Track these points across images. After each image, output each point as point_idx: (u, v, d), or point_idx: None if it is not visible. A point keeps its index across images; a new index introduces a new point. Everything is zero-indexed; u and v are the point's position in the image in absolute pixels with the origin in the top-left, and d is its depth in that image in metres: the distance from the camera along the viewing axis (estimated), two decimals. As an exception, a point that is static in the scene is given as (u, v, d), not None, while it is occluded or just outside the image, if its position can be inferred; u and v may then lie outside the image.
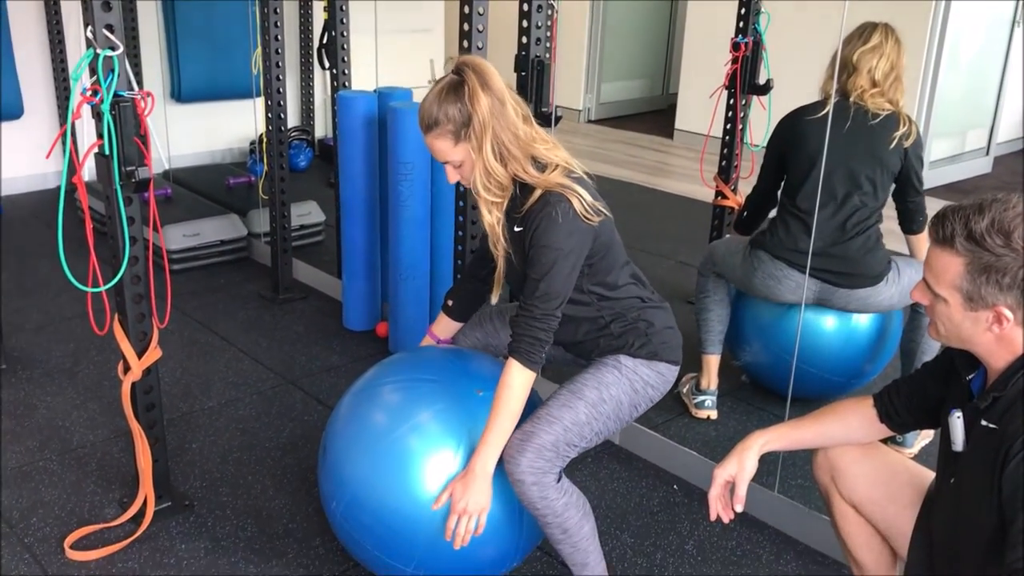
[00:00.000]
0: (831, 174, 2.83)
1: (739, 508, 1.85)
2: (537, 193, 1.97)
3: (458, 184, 2.85)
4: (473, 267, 2.38)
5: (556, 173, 1.98)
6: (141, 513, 2.48)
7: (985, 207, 1.49)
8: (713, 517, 1.87)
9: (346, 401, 2.20)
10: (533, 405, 2.11)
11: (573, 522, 2.03)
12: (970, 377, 1.66)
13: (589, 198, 1.98)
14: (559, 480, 2.02)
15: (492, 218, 2.04)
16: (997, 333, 1.54)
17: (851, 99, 2.87)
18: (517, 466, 1.96)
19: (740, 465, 1.86)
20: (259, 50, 3.84)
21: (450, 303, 2.38)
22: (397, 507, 2.01)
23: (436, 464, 2.00)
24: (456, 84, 1.96)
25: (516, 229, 2.03)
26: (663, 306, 2.21)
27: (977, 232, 1.48)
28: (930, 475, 1.89)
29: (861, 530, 1.92)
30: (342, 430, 2.14)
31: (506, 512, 2.06)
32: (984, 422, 1.58)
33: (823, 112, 2.79)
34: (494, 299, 2.27)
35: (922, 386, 1.82)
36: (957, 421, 1.64)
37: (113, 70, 2.12)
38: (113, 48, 2.12)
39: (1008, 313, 1.50)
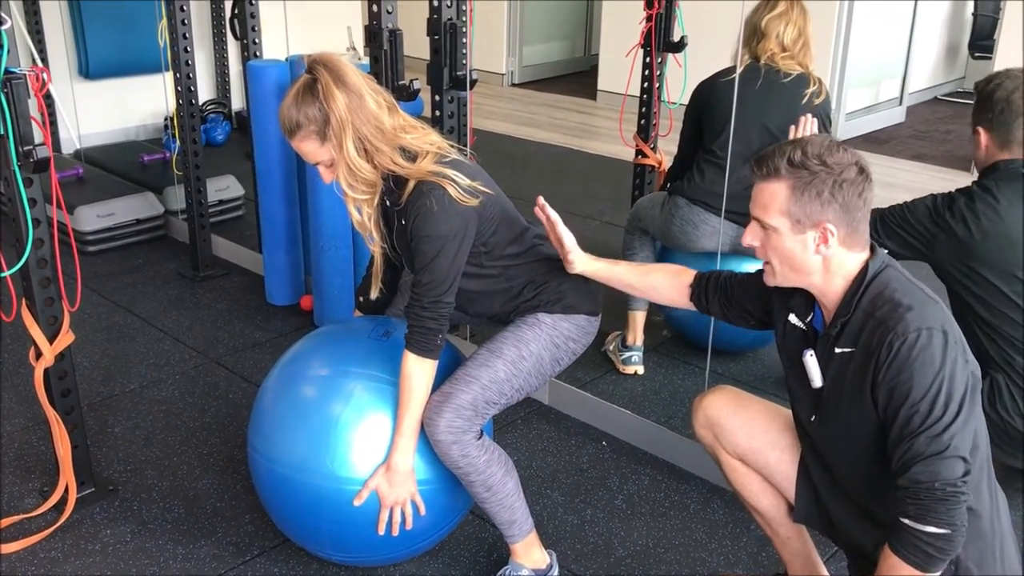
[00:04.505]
0: (747, 128, 2.89)
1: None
2: (411, 184, 1.96)
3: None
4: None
5: (427, 161, 1.96)
6: (63, 501, 2.43)
7: (799, 143, 1.66)
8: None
9: (275, 379, 2.18)
10: (456, 364, 2.12)
11: (496, 479, 2.04)
12: (809, 319, 1.77)
13: (465, 180, 1.96)
14: (479, 437, 2.03)
15: (362, 216, 2.04)
16: (825, 255, 1.66)
17: (761, 62, 2.94)
18: (436, 427, 1.97)
19: (573, 268, 2.07)
20: (164, 22, 3.73)
21: (361, 299, 2.36)
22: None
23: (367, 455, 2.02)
24: (310, 83, 1.92)
25: (402, 223, 2.01)
26: None
27: (796, 158, 1.63)
28: None
29: (752, 480, 1.98)
30: (288, 383, 2.15)
31: (440, 478, 2.08)
32: (839, 349, 1.68)
33: (735, 74, 2.83)
34: (373, 294, 2.27)
35: (739, 298, 1.95)
36: (811, 360, 1.75)
37: (1, 45, 2.03)
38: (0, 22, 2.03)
39: (832, 227, 1.63)
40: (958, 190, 2.36)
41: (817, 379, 1.74)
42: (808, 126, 2.55)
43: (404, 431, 1.98)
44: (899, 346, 1.56)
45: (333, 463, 2.00)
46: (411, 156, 1.97)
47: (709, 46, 3.38)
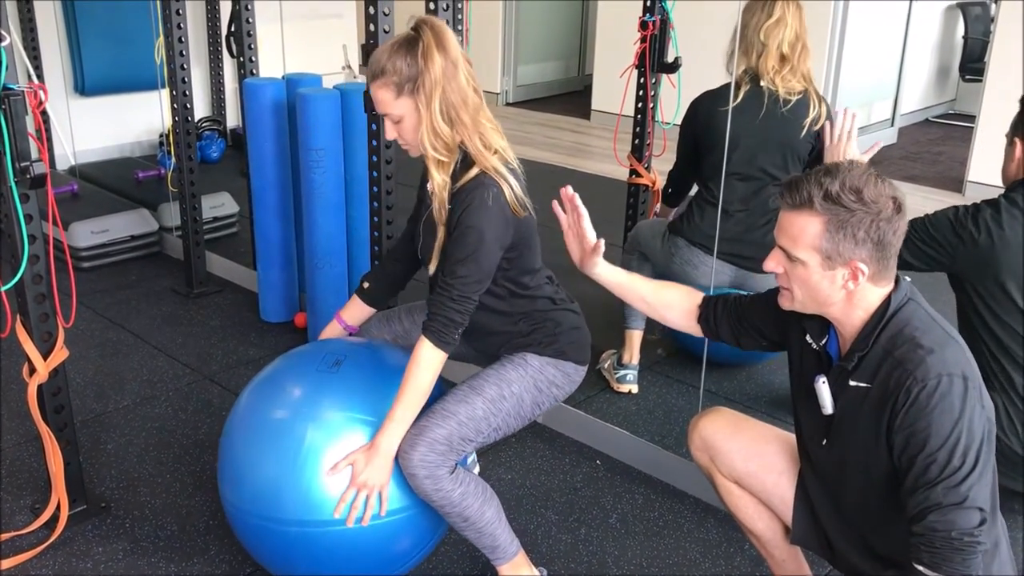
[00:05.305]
0: (745, 164, 2.90)
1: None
2: (473, 171, 1.97)
3: (371, 170, 2.83)
4: (399, 248, 2.35)
5: (496, 157, 1.99)
6: (55, 518, 2.41)
7: (833, 171, 1.58)
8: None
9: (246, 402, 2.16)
10: (440, 394, 2.10)
11: (473, 510, 2.01)
12: (823, 343, 1.73)
13: (520, 191, 1.99)
14: (454, 471, 2.00)
15: (440, 179, 1.99)
16: (851, 290, 1.61)
17: (763, 83, 2.89)
18: (409, 460, 1.94)
19: (595, 267, 2.00)
20: (161, 39, 3.74)
21: (366, 285, 2.34)
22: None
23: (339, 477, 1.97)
24: (411, 40, 1.95)
25: (447, 207, 2.01)
26: (573, 308, 2.22)
27: (833, 192, 1.56)
28: None
29: (747, 503, 1.98)
30: (242, 428, 2.10)
31: (416, 503, 2.04)
32: (853, 382, 1.64)
33: (735, 103, 2.81)
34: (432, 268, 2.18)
35: (751, 318, 1.91)
36: (823, 387, 1.71)
37: (0, 62, 2.04)
38: (-1, 39, 2.04)
39: (863, 267, 1.58)
40: (984, 201, 2.36)
41: (829, 406, 1.70)
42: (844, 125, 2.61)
43: (397, 416, 1.94)
44: (918, 392, 1.53)
45: (297, 508, 1.96)
46: (484, 145, 1.99)
47: (703, 67, 3.40)
